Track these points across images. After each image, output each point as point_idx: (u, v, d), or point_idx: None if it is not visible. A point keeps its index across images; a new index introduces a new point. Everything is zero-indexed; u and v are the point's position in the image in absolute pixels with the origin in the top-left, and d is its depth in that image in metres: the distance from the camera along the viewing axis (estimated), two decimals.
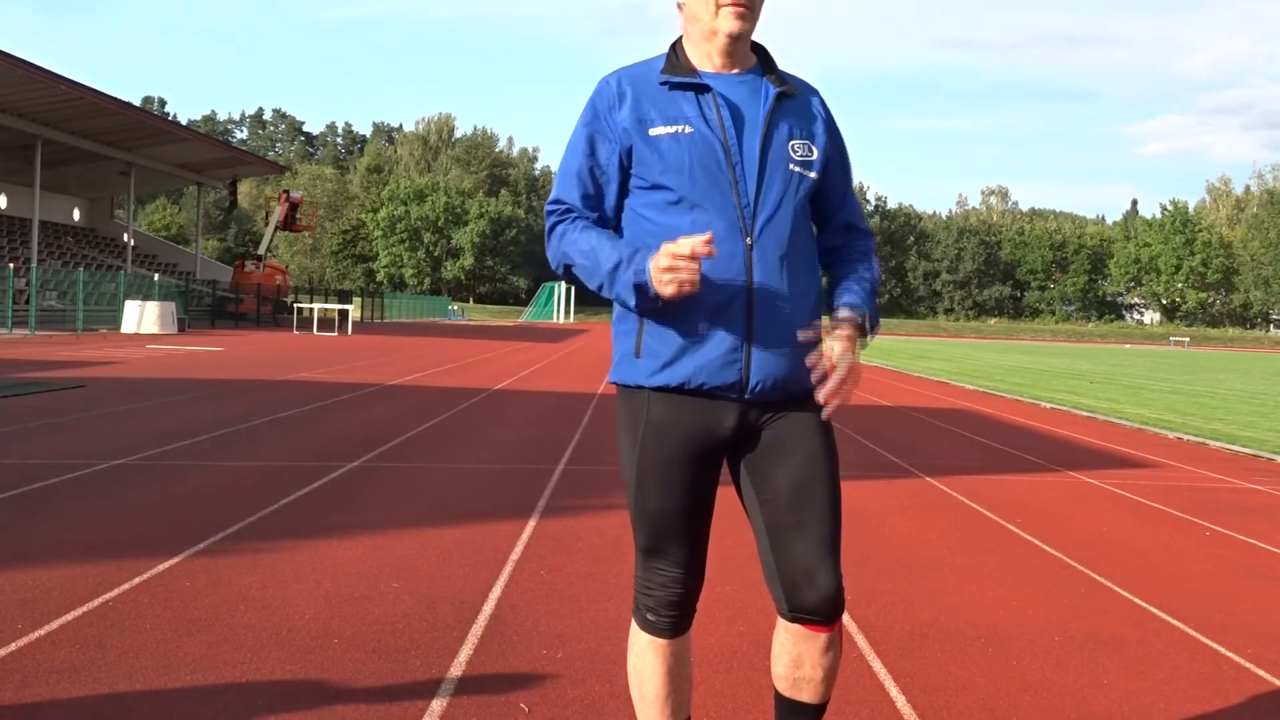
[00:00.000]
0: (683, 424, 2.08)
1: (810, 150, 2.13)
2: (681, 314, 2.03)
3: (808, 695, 2.14)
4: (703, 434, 2.09)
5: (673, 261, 1.92)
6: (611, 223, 2.16)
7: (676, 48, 2.16)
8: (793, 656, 2.12)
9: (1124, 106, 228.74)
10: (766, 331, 2.04)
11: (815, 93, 2.22)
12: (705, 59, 2.13)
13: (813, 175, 2.13)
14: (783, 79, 2.15)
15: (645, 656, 2.19)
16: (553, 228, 2.17)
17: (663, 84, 2.10)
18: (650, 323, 2.07)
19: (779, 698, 2.19)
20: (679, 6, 2.14)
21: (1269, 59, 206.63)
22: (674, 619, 2.17)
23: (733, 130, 2.07)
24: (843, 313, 2.10)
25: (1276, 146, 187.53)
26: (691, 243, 1.92)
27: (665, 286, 1.94)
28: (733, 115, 2.08)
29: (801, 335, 2.04)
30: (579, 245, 2.09)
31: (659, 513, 2.11)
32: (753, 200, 2.05)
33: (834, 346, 2.01)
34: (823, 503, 2.09)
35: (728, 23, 2.05)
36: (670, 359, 2.06)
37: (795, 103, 2.15)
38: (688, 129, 2.05)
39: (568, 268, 2.14)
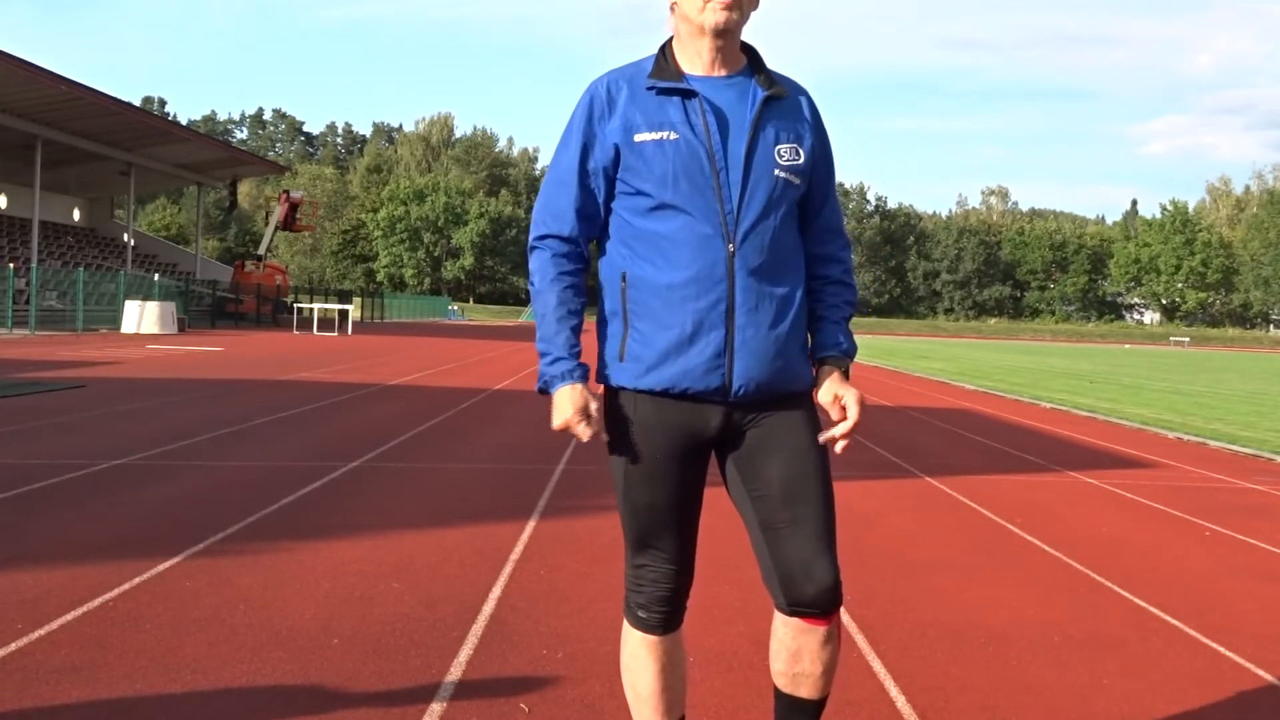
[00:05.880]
0: (669, 423, 2.11)
1: (797, 154, 2.12)
2: (663, 319, 2.06)
3: (806, 691, 2.14)
4: (688, 433, 2.12)
5: (565, 423, 2.05)
6: (600, 225, 2.17)
7: (665, 50, 2.16)
8: (790, 651, 2.13)
9: (1124, 106, 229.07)
10: (749, 337, 2.06)
11: (804, 93, 2.21)
12: (695, 58, 2.12)
13: (798, 180, 2.12)
14: (772, 80, 2.14)
15: (638, 654, 2.21)
16: (532, 249, 2.20)
17: (650, 89, 2.10)
18: (634, 328, 2.09)
19: (778, 695, 2.19)
20: (671, 8, 2.14)
21: (1271, 59, 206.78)
22: (665, 615, 2.18)
23: (718, 136, 2.06)
24: (831, 364, 2.19)
25: (1279, 146, 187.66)
26: (581, 430, 2.04)
27: (554, 421, 2.08)
28: (718, 120, 2.07)
29: (823, 438, 2.13)
30: (542, 299, 2.16)
31: (647, 508, 2.13)
32: (736, 206, 2.05)
33: (846, 397, 2.13)
34: (816, 497, 2.11)
35: (714, 15, 2.04)
36: (654, 363, 2.08)
37: (783, 105, 2.14)
38: (673, 135, 2.05)
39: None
